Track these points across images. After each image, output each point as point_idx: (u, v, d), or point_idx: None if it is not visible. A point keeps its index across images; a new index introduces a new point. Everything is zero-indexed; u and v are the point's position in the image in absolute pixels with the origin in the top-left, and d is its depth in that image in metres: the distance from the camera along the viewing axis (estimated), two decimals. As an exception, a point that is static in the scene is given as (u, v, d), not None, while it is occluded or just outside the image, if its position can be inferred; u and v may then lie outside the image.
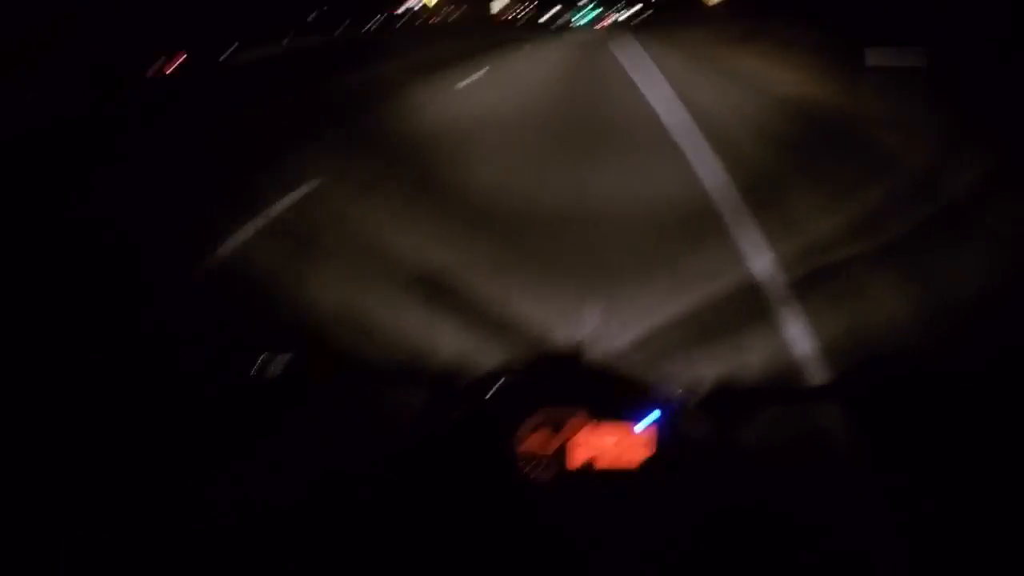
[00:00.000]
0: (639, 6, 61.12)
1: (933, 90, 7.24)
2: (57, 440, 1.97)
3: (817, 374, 1.75)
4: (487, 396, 0.86)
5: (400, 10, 43.83)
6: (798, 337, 2.73)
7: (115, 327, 2.86)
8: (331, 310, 2.98)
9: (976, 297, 2.95)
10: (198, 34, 15.86)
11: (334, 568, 0.83)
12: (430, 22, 46.96)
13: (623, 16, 64.28)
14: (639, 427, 0.77)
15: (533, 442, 0.77)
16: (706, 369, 2.50)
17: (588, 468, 0.75)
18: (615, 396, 0.85)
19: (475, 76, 13.01)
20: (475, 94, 10.91)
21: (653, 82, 11.33)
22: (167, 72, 14.07)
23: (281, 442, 1.56)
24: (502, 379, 0.88)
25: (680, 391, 0.89)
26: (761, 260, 3.65)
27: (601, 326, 2.84)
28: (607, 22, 63.70)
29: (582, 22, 68.86)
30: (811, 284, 3.30)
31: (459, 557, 0.74)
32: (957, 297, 3.01)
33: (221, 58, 16.95)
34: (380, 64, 15.48)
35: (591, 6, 70.43)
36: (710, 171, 5.63)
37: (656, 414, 0.78)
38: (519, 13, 69.97)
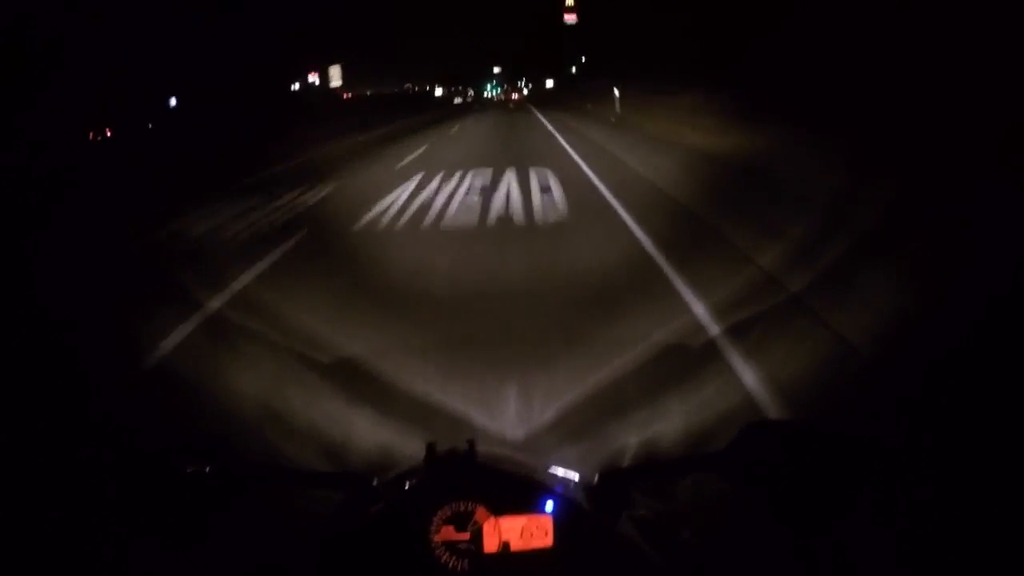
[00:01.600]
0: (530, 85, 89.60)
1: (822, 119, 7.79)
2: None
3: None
4: (402, 491, 0.91)
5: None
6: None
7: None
8: (250, 410, 2.92)
9: (902, 328, 3.18)
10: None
11: None
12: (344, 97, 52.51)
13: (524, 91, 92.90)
14: (541, 512, 0.83)
15: (448, 532, 0.82)
16: (619, 441, 2.57)
17: (504, 551, 0.81)
18: (517, 485, 0.91)
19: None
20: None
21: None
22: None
23: (204, 544, 1.58)
24: (415, 474, 0.93)
25: (576, 475, 0.96)
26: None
27: (516, 409, 2.89)
28: (514, 96, 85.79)
29: (493, 93, 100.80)
30: (728, 342, 3.47)
31: None
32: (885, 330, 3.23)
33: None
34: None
35: (492, 83, 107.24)
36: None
37: (551, 502, 0.84)
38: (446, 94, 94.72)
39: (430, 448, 0.97)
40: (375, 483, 0.94)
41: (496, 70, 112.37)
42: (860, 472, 0.86)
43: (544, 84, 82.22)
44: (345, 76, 57.66)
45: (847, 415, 2.60)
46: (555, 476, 0.96)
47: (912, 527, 1.89)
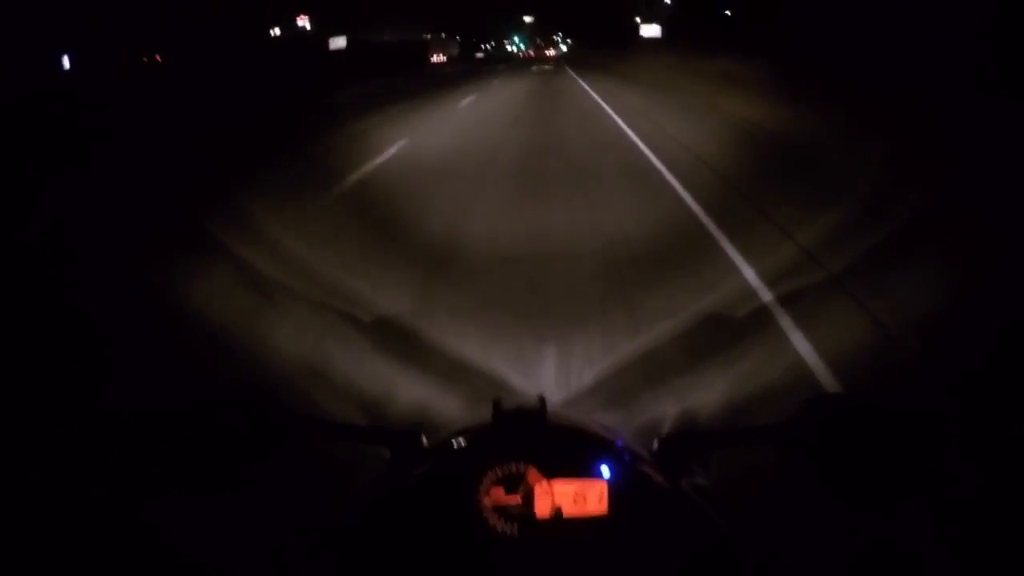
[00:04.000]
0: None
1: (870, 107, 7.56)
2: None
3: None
4: (450, 451, 0.89)
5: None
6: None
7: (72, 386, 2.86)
8: (291, 365, 2.99)
9: (941, 311, 3.14)
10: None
11: None
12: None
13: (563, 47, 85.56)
14: (596, 477, 0.81)
15: (498, 495, 0.79)
16: (666, 409, 2.60)
17: (556, 517, 0.78)
18: (569, 448, 0.88)
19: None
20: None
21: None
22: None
23: (243, 501, 1.58)
24: (463, 434, 0.91)
25: (632, 440, 0.93)
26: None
27: (559, 373, 2.93)
28: (547, 52, 79.35)
29: (522, 46, 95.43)
30: (772, 312, 3.47)
31: None
32: (922, 313, 3.20)
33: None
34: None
35: (520, 37, 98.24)
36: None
37: (607, 467, 0.82)
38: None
39: (496, 405, 0.93)
40: (424, 441, 0.92)
41: (527, 19, 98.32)
42: (924, 451, 0.84)
43: (585, 41, 69.64)
44: (326, 22, 47.39)
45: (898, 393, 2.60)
46: (612, 439, 0.93)
47: (971, 511, 1.88)
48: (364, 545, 0.81)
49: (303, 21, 48.74)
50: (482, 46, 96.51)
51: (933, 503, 0.82)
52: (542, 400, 0.91)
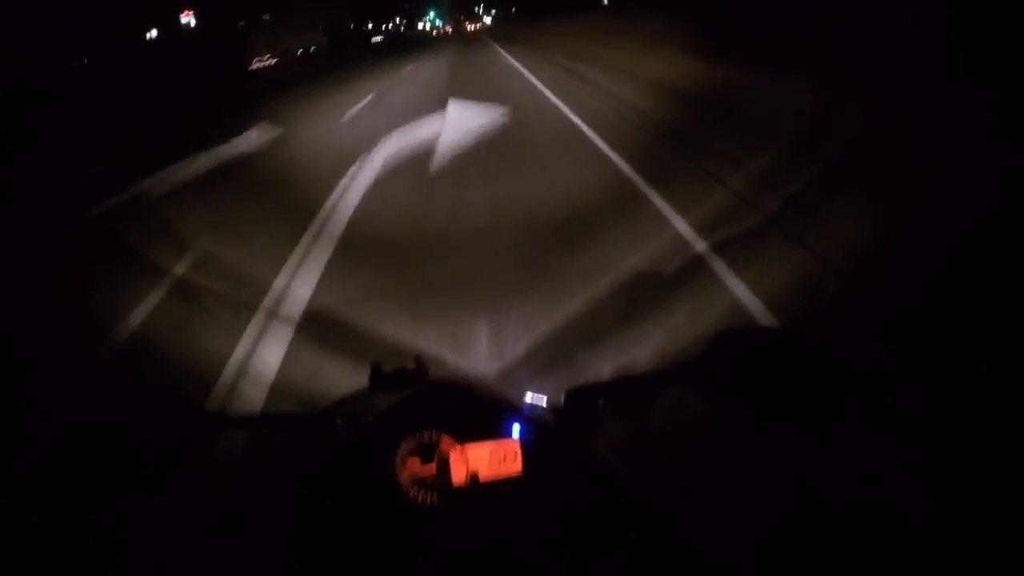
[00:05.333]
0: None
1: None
2: None
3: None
4: (362, 429, 0.89)
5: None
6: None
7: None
8: (217, 353, 3.06)
9: (875, 258, 3.18)
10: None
11: None
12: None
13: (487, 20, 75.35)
14: (508, 437, 0.81)
15: (414, 465, 0.80)
16: (588, 368, 2.62)
17: (473, 482, 0.78)
18: (481, 410, 0.89)
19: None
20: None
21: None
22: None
23: (169, 499, 1.61)
24: (364, 406, 0.92)
25: (543, 398, 0.95)
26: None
27: (486, 343, 2.91)
28: (469, 27, 70.80)
29: (438, 22, 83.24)
30: (685, 275, 3.46)
31: None
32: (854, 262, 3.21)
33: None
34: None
35: (434, 15, 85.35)
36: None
37: (518, 426, 0.83)
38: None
39: (375, 370, 0.93)
40: (337, 421, 0.92)
41: None
42: (839, 377, 0.85)
43: (512, 10, 64.59)
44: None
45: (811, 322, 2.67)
46: (520, 399, 0.94)
47: (888, 436, 1.93)
48: (292, 532, 0.80)
49: (187, 17, 41.93)
50: (383, 27, 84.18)
51: (835, 427, 0.82)
52: (420, 361, 0.93)
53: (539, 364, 2.65)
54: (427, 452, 0.81)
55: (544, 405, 0.94)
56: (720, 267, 3.39)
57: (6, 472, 2.16)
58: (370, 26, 79.99)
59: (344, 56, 41.97)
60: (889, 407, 1.98)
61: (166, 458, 0.87)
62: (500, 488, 0.79)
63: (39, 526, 1.90)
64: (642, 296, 3.17)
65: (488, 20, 76.61)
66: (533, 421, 0.85)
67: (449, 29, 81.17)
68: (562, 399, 0.94)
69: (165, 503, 1.57)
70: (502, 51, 23.80)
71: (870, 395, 1.80)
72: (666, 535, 0.80)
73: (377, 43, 65.97)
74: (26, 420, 2.61)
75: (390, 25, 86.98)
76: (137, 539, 1.79)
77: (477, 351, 2.76)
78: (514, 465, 0.79)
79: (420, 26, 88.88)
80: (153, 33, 39.03)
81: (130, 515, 1.71)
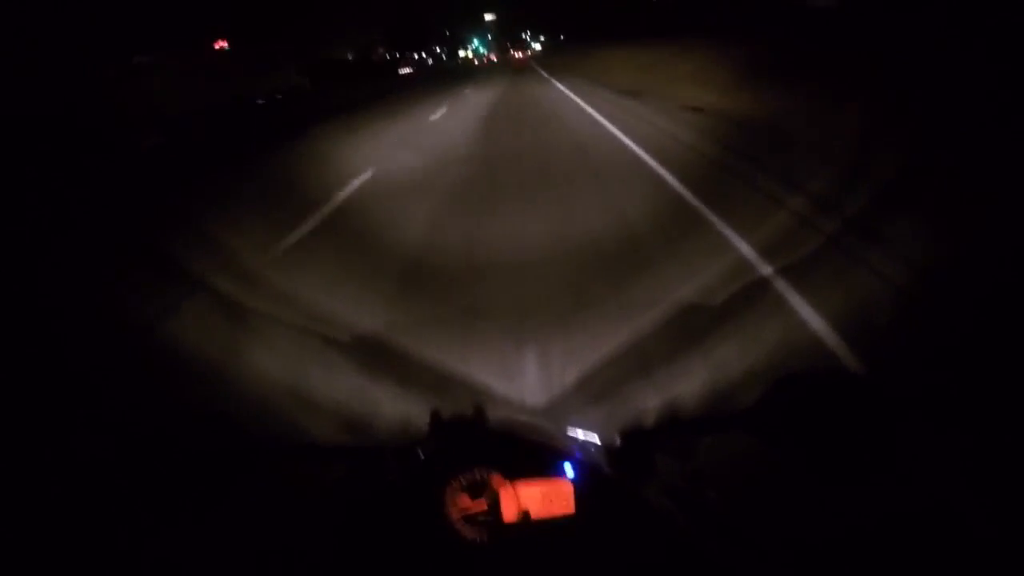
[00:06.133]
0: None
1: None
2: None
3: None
4: (415, 461, 0.90)
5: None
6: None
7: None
8: (264, 384, 3.05)
9: (916, 291, 3.25)
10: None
11: None
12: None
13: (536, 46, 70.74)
14: (561, 476, 0.82)
15: (464, 501, 0.81)
16: (638, 405, 2.62)
17: (524, 520, 0.79)
18: (533, 449, 0.90)
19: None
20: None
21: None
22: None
23: (217, 520, 1.63)
24: (429, 443, 0.92)
25: (597, 437, 0.95)
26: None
27: (534, 375, 2.95)
28: (516, 55, 65.83)
29: (482, 50, 77.32)
30: (737, 305, 3.47)
31: None
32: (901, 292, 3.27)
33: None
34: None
35: (477, 44, 78.55)
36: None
37: (570, 466, 0.83)
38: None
39: (435, 416, 0.95)
40: (387, 455, 0.93)
41: (488, 17, 78.31)
42: (892, 426, 0.84)
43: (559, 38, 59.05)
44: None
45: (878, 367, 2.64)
46: (574, 439, 0.94)
47: (942, 484, 1.92)
48: (339, 565, 0.81)
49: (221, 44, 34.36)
50: (416, 56, 72.32)
51: (903, 475, 0.82)
52: (479, 409, 0.93)
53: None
54: (478, 489, 0.81)
55: (597, 443, 0.94)
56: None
57: (56, 477, 2.25)
58: (401, 54, 69.54)
59: (340, 101, 25.75)
60: (947, 454, 1.96)
61: (214, 483, 0.89)
62: (552, 527, 0.79)
63: (84, 541, 1.98)
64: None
65: (538, 47, 72.34)
66: (586, 461, 0.85)
67: (494, 57, 76.01)
68: (616, 439, 0.94)
69: (214, 527, 1.64)
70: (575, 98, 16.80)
71: (927, 441, 1.79)
72: None
73: (407, 75, 56.04)
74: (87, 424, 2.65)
75: (423, 53, 76.02)
76: (180, 559, 1.85)
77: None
78: (567, 505, 0.80)
79: (463, 54, 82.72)
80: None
81: (174, 535, 1.80)
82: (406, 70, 61.51)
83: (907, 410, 0.86)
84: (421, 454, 0.90)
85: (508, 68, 45.45)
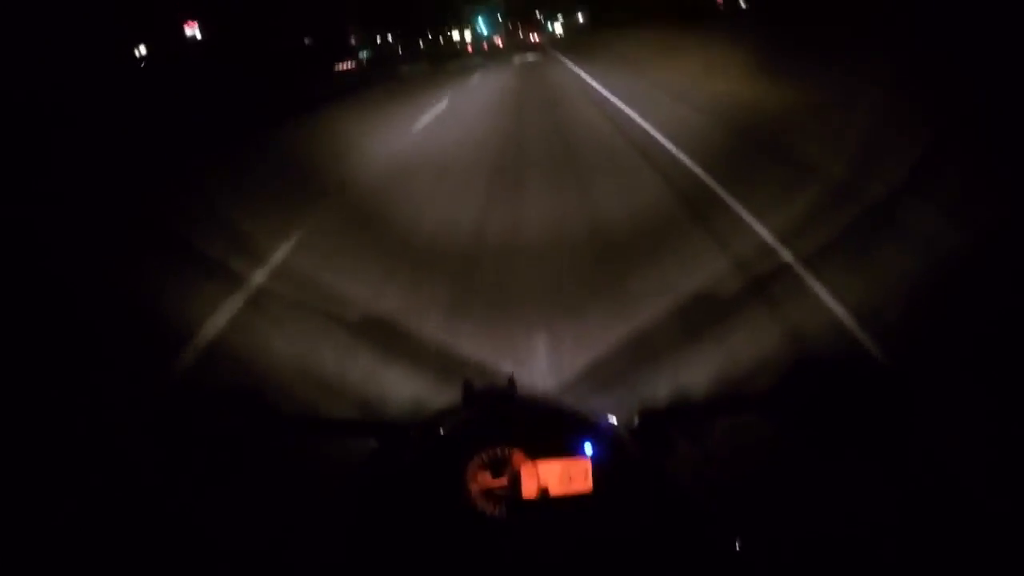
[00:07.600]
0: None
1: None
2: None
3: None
4: (436, 439, 0.92)
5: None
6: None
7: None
8: (282, 365, 3.14)
9: (912, 295, 3.13)
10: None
11: None
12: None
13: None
14: (580, 455, 0.83)
15: (485, 479, 0.82)
16: (652, 388, 2.61)
17: (543, 497, 0.81)
18: (553, 429, 0.91)
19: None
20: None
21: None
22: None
23: (237, 498, 1.65)
24: (448, 420, 0.95)
25: (615, 418, 0.97)
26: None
27: (547, 357, 2.96)
28: (532, 38, 58.60)
29: (485, 32, 68.18)
30: (751, 293, 3.47)
31: None
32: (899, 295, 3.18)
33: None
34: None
35: (481, 23, 68.56)
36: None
37: (590, 444, 0.85)
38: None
39: (467, 387, 0.97)
40: (410, 431, 0.95)
41: None
42: (907, 412, 0.86)
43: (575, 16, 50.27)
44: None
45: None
46: (593, 418, 0.96)
47: (958, 469, 1.92)
48: (360, 536, 0.84)
49: (191, 29, 29.19)
50: (378, 40, 55.71)
51: (917, 463, 0.84)
52: (511, 381, 0.95)
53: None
54: (499, 466, 0.83)
55: (615, 423, 0.96)
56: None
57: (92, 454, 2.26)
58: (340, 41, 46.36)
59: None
60: (960, 446, 1.97)
61: (238, 456, 0.90)
62: (570, 504, 0.81)
63: (123, 517, 1.98)
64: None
65: (558, 28, 60.33)
66: (604, 440, 0.87)
67: (499, 41, 59.49)
68: (636, 419, 0.96)
69: (245, 499, 1.64)
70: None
71: (940, 430, 1.80)
72: (733, 565, 0.82)
73: (344, 71, 38.06)
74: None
75: (389, 37, 58.40)
76: (211, 531, 1.84)
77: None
78: (584, 483, 0.82)
79: (457, 37, 64.36)
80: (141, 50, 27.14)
81: (206, 509, 1.73)
82: (345, 65, 40.97)
83: (926, 399, 0.88)
84: (442, 431, 0.92)
85: (516, 53, 39.35)
